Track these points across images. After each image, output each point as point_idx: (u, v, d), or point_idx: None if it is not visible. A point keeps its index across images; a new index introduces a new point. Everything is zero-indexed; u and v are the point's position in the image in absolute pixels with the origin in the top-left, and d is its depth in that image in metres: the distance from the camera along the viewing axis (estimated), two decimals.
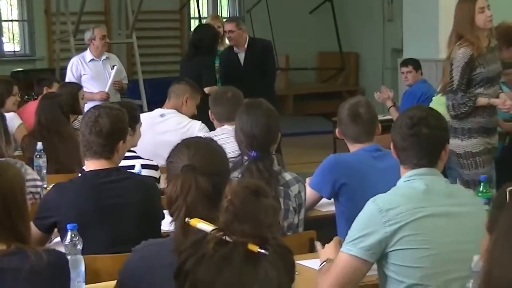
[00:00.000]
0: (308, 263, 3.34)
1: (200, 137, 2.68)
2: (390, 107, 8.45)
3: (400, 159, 3.04)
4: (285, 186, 3.58)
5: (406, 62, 8.59)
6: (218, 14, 15.10)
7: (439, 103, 6.68)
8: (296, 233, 3.66)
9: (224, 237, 1.73)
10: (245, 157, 3.58)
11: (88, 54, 8.00)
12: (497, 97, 5.53)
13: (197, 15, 14.50)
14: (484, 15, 5.34)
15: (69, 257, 2.78)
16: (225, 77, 7.88)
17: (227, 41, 8.11)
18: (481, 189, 3.76)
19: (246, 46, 7.89)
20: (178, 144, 2.55)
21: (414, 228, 2.80)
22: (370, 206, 2.88)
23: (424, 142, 2.97)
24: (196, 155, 2.45)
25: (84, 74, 7.91)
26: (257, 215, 1.76)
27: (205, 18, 14.82)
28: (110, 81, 7.84)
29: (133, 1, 11.63)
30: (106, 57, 8.08)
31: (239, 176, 3.54)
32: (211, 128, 5.36)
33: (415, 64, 8.50)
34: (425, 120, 2.99)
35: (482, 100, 5.39)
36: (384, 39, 14.36)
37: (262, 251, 1.68)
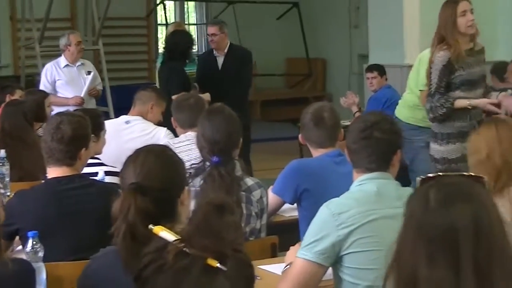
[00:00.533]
0: (270, 268, 3.37)
1: (153, 147, 2.65)
2: (356, 112, 8.51)
3: (352, 162, 3.09)
4: (247, 191, 3.60)
5: (371, 68, 8.66)
6: (185, 20, 15.18)
7: (404, 105, 6.76)
8: (258, 238, 3.69)
9: (184, 249, 1.75)
10: (207, 163, 3.60)
11: (62, 60, 7.97)
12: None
13: (164, 22, 14.49)
14: (466, 18, 5.34)
15: None
16: (201, 79, 8.00)
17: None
18: None
19: (226, 51, 7.94)
20: (128, 157, 2.55)
21: (366, 230, 2.84)
22: (323, 211, 2.92)
23: (375, 145, 3.01)
24: (142, 171, 2.45)
25: (58, 80, 7.88)
26: (219, 231, 1.78)
27: (173, 23, 14.88)
28: (86, 87, 7.82)
29: (99, 7, 11.60)
30: (81, 63, 8.06)
31: (201, 181, 3.55)
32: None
33: (380, 69, 8.57)
34: (377, 124, 3.03)
35: (461, 102, 5.37)
36: (350, 45, 14.46)
37: (221, 266, 1.70)
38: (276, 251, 3.68)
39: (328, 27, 14.79)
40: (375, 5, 10.37)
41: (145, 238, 2.10)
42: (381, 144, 3.02)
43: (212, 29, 7.97)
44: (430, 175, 1.93)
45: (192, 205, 3.50)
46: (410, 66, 8.44)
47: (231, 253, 1.73)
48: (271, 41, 14.94)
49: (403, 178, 6.36)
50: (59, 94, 7.83)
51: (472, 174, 2.00)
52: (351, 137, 3.08)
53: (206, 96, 7.28)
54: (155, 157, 2.51)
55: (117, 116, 7.69)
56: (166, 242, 1.79)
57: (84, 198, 3.38)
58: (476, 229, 1.76)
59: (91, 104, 7.90)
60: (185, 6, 15.46)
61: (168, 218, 2.37)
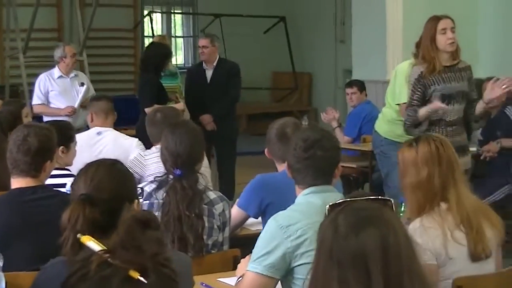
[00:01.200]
0: (229, 281, 3.41)
1: (104, 160, 2.71)
2: (336, 127, 8.58)
3: (295, 180, 3.14)
4: (209, 204, 3.65)
5: (350, 83, 8.74)
6: (172, 33, 15.25)
7: (383, 120, 6.81)
8: (220, 251, 3.73)
9: (108, 259, 1.80)
10: (170, 176, 3.64)
11: (56, 71, 7.98)
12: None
13: (151, 34, 14.54)
14: (445, 36, 5.41)
15: None
16: (190, 91, 8.14)
17: (172, 62, 8.20)
18: (402, 209, 3.85)
19: (215, 64, 8.02)
20: (80, 169, 2.61)
21: (314, 242, 2.89)
22: (271, 224, 2.98)
23: (319, 164, 3.08)
24: (92, 183, 2.51)
25: (51, 90, 7.89)
26: (140, 244, 1.84)
27: (157, 36, 14.94)
28: (79, 98, 7.83)
29: (85, 18, 11.65)
30: (75, 75, 8.08)
31: (164, 194, 3.60)
32: None
33: (360, 85, 8.64)
34: (319, 143, 3.09)
35: (421, 110, 5.43)
36: (336, 60, 14.56)
37: (141, 279, 1.75)
38: (237, 264, 3.71)
39: (314, 41, 14.89)
40: (358, 21, 10.47)
41: None
42: (324, 161, 3.10)
43: (203, 42, 8.08)
44: (339, 201, 2.00)
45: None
46: None
47: (153, 267, 1.78)
48: (258, 54, 15.02)
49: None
50: (52, 105, 7.87)
51: (380, 197, 2.06)
52: (293, 156, 3.14)
53: (179, 106, 7.38)
54: (105, 170, 2.56)
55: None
56: (92, 252, 1.85)
57: (46, 209, 3.42)
58: (385, 252, 1.82)
59: (84, 115, 7.93)
60: (172, 18, 15.51)
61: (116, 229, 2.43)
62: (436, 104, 5.41)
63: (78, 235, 2.07)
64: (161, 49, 7.86)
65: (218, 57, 8.12)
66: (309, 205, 3.03)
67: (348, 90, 8.63)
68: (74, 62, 8.07)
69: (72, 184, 2.59)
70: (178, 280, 1.83)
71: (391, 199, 2.06)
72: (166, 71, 8.12)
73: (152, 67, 7.59)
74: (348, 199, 2.01)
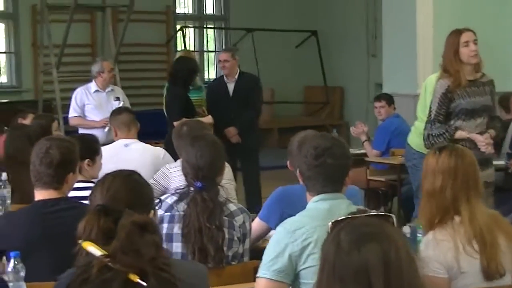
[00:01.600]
0: None
1: (121, 172, 2.76)
2: (364, 141, 8.58)
3: (306, 186, 3.19)
4: (229, 216, 3.68)
5: (379, 97, 8.74)
6: (205, 47, 15.35)
7: (415, 133, 6.80)
8: (241, 262, 3.76)
9: (109, 264, 1.85)
10: (191, 188, 3.69)
11: (93, 85, 8.15)
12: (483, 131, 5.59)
13: (183, 48, 14.63)
14: (468, 49, 5.44)
15: (11, 284, 2.87)
16: (213, 105, 8.18)
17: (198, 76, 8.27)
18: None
19: (236, 77, 8.10)
20: (97, 180, 2.66)
21: (319, 245, 2.91)
22: (279, 230, 3.04)
23: (329, 172, 3.12)
24: (108, 192, 2.55)
25: (87, 104, 8.06)
26: (139, 248, 1.88)
27: (191, 51, 15.05)
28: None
29: (117, 34, 11.78)
30: (111, 89, 8.25)
31: (185, 206, 3.64)
32: None
33: (388, 98, 8.64)
34: (330, 150, 3.12)
35: (460, 133, 5.44)
36: (368, 74, 14.54)
37: (141, 282, 1.79)
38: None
39: (345, 55, 14.90)
40: (389, 35, 10.46)
41: None
42: (335, 170, 3.14)
43: (224, 56, 8.16)
44: (341, 218, 2.03)
45: (176, 229, 3.63)
46: None
47: (152, 271, 1.82)
48: (290, 69, 15.09)
49: None
50: (87, 118, 8.04)
51: (381, 213, 2.09)
52: (304, 164, 3.18)
53: (208, 119, 7.44)
54: (121, 181, 2.61)
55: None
56: (93, 257, 1.89)
57: (67, 220, 3.46)
58: (386, 267, 1.85)
59: None
60: (205, 33, 15.62)
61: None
62: (478, 138, 5.42)
63: (79, 241, 2.11)
64: (189, 64, 7.95)
65: (238, 70, 8.20)
66: (316, 210, 3.10)
67: (377, 104, 8.63)
68: (111, 77, 8.25)
69: (90, 195, 2.64)
70: (177, 284, 1.87)
71: (392, 215, 2.09)
72: (193, 84, 8.21)
73: (181, 81, 7.67)
74: (350, 216, 2.04)
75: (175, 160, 5.47)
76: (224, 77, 8.20)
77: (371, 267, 1.84)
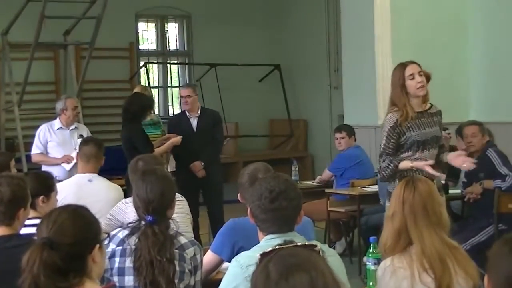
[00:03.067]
0: None
1: (68, 206, 2.80)
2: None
3: (259, 227, 3.25)
4: (180, 249, 3.72)
5: (339, 128, 8.87)
6: (169, 83, 15.43)
7: None
8: None
9: None
10: (142, 222, 3.73)
11: (57, 123, 8.16)
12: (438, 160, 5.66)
13: (147, 84, 14.69)
14: (414, 81, 5.47)
15: None
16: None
17: (155, 112, 8.33)
18: (371, 250, 3.92)
19: (199, 112, 8.20)
20: (45, 214, 2.71)
21: None
22: (233, 264, 3.08)
23: (284, 213, 3.23)
24: (54, 226, 2.59)
25: (50, 141, 8.06)
26: None
27: (155, 87, 15.12)
28: (76, 151, 7.95)
29: (80, 71, 11.81)
30: (75, 127, 8.25)
31: (136, 240, 3.68)
32: None
33: (349, 130, 8.74)
34: (284, 194, 3.22)
35: (403, 164, 5.46)
36: (331, 106, 14.68)
37: None
38: None
39: (308, 88, 15.07)
40: (349, 68, 10.63)
41: None
42: (289, 211, 3.23)
43: (186, 91, 8.25)
44: (268, 249, 2.09)
45: (128, 262, 3.66)
46: None
47: None
48: (254, 102, 15.20)
49: None
50: (50, 155, 8.03)
51: (306, 243, 2.15)
52: (258, 207, 3.26)
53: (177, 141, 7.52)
54: (68, 214, 2.65)
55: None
56: None
57: (19, 257, 3.48)
58: None
59: None
60: (168, 68, 15.70)
61: (77, 273, 2.53)
62: (424, 166, 5.43)
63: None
64: (142, 100, 7.99)
65: (199, 105, 8.33)
66: (271, 246, 3.11)
67: (337, 135, 8.74)
68: (75, 115, 8.24)
69: (36, 228, 2.68)
70: None
71: (317, 244, 2.15)
72: (150, 120, 8.28)
73: (131, 115, 7.75)
74: (277, 247, 2.10)
75: None
76: (186, 113, 8.28)
77: None
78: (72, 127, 8.19)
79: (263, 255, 2.05)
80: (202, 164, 8.11)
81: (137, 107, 7.79)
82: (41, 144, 8.06)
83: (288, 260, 1.95)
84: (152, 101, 8.30)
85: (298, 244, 2.15)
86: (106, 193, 5.80)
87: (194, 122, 8.25)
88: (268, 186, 3.27)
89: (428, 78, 5.73)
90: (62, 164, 7.79)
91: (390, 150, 5.50)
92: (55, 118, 8.22)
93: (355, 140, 8.77)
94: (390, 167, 5.47)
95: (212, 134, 8.28)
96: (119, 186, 6.03)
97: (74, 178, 5.92)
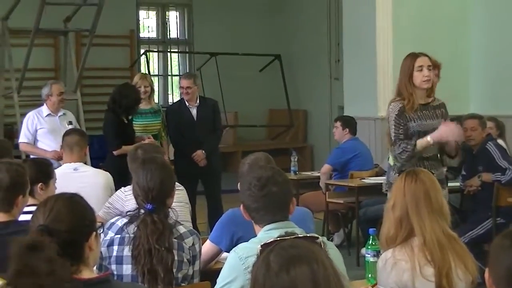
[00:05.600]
0: None
1: (62, 194, 2.78)
2: None
3: (254, 219, 3.24)
4: (179, 238, 3.71)
5: (336, 118, 8.90)
6: (169, 71, 15.39)
7: None
8: (190, 284, 3.79)
9: None
10: (142, 210, 3.72)
11: (45, 109, 7.99)
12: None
13: (147, 72, 14.66)
14: (422, 74, 5.48)
15: None
16: (177, 129, 8.20)
17: (155, 100, 8.28)
18: (370, 242, 3.91)
19: (198, 102, 8.17)
20: (40, 202, 2.70)
21: None
22: (231, 255, 3.07)
23: (276, 200, 3.19)
24: (50, 215, 2.58)
25: (40, 128, 7.90)
26: (33, 267, 1.92)
27: (155, 75, 15.09)
28: None
29: (80, 58, 11.78)
30: (63, 113, 8.10)
31: (135, 228, 3.67)
32: None
33: (344, 121, 8.73)
34: (272, 179, 3.21)
35: (421, 142, 5.47)
36: (331, 97, 14.66)
37: None
38: None
39: (309, 79, 15.04)
40: (350, 59, 10.60)
41: None
42: (280, 196, 3.20)
43: (187, 82, 8.20)
44: (269, 240, 2.08)
45: (126, 251, 3.65)
46: (383, 119, 8.63)
47: (52, 284, 1.85)
48: (253, 92, 15.18)
49: None
50: (39, 143, 7.87)
51: (308, 235, 2.14)
52: (249, 196, 3.25)
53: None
54: (63, 202, 2.64)
55: (93, 165, 7.78)
56: None
57: None
58: (315, 286, 1.90)
59: None
60: (169, 57, 15.68)
61: (74, 260, 2.52)
62: (443, 136, 5.46)
63: None
64: (136, 93, 7.89)
65: (198, 95, 8.31)
66: (269, 238, 3.10)
67: (334, 125, 8.79)
68: (61, 101, 8.03)
69: (32, 216, 2.67)
70: None
71: (319, 237, 2.14)
72: (150, 108, 8.22)
73: (124, 109, 7.71)
74: (278, 238, 2.09)
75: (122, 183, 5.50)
76: (186, 102, 8.25)
77: (300, 287, 1.89)
78: (60, 113, 8.05)
79: (264, 246, 2.04)
80: (204, 153, 8.09)
81: (132, 101, 7.72)
82: (29, 132, 7.91)
83: (289, 252, 1.94)
84: (139, 96, 8.04)
85: (300, 235, 2.14)
86: (92, 178, 5.79)
87: (193, 112, 8.23)
88: (256, 175, 3.29)
89: (438, 68, 5.74)
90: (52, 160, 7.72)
91: (402, 135, 5.51)
92: (42, 105, 8.08)
93: (353, 133, 8.69)
94: (408, 149, 5.47)
95: (212, 123, 8.26)
96: (107, 172, 6.01)
97: (59, 169, 5.84)
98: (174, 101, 14.63)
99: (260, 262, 1.96)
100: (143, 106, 8.08)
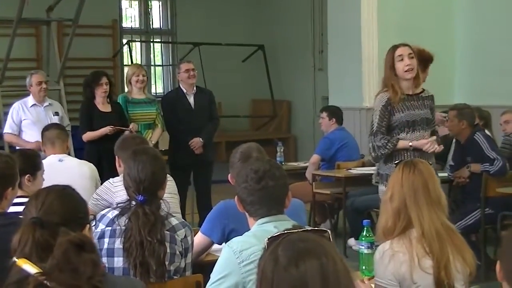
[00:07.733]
0: None
1: (54, 186, 2.73)
2: None
3: (249, 212, 3.19)
4: (171, 230, 3.66)
5: (322, 109, 8.89)
6: (152, 61, 15.31)
7: None
8: (182, 276, 3.74)
9: (44, 282, 1.83)
10: (133, 202, 3.66)
11: (30, 100, 7.97)
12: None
13: (129, 62, 14.59)
14: (403, 63, 5.48)
15: None
16: (174, 117, 8.13)
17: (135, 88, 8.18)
18: (364, 233, 3.87)
19: (195, 90, 8.10)
20: (31, 195, 2.65)
21: None
22: (225, 249, 3.02)
23: (273, 194, 3.14)
24: (43, 206, 2.53)
25: (24, 119, 7.86)
26: (76, 267, 1.87)
27: (134, 64, 14.97)
28: None
29: (63, 48, 11.69)
30: (49, 104, 8.06)
31: (126, 220, 3.61)
32: None
33: (330, 112, 8.71)
34: (269, 172, 3.16)
35: (402, 143, 5.51)
36: (315, 87, 14.64)
37: None
38: None
39: (292, 69, 15.00)
40: (334, 49, 10.57)
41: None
42: (277, 191, 3.16)
43: (191, 65, 8.15)
44: (277, 233, 2.04)
45: (117, 243, 3.59)
46: (369, 109, 8.62)
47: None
48: (237, 83, 15.14)
49: None
50: (24, 134, 7.83)
51: (316, 228, 2.10)
52: (245, 189, 3.20)
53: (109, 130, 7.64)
54: (55, 195, 2.59)
55: (77, 156, 7.74)
56: (27, 274, 1.87)
57: (5, 236, 3.41)
58: (325, 281, 1.86)
59: None
60: (152, 47, 15.58)
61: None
62: (421, 142, 5.52)
63: (14, 258, 2.08)
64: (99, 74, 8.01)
65: None
66: (263, 231, 3.08)
67: (320, 115, 8.79)
68: (41, 90, 7.95)
69: (24, 209, 2.61)
70: None
71: (327, 230, 2.10)
72: (145, 98, 8.14)
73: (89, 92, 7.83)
74: (286, 231, 2.05)
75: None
76: (183, 89, 8.14)
77: (310, 281, 1.85)
78: (46, 104, 8.01)
79: (272, 239, 1.99)
80: (201, 141, 8.03)
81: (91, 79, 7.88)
82: (14, 123, 7.88)
83: (298, 245, 1.90)
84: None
85: (308, 229, 2.09)
86: (77, 168, 5.79)
87: (191, 100, 8.14)
88: (253, 167, 3.23)
89: (430, 59, 5.73)
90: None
91: (383, 129, 5.53)
92: (28, 95, 8.05)
93: (339, 123, 8.67)
94: (388, 146, 5.49)
95: (209, 112, 8.21)
96: (91, 163, 6.04)
97: (46, 160, 5.79)
98: (157, 92, 14.61)
99: (267, 256, 1.92)
100: (138, 96, 8.08)
